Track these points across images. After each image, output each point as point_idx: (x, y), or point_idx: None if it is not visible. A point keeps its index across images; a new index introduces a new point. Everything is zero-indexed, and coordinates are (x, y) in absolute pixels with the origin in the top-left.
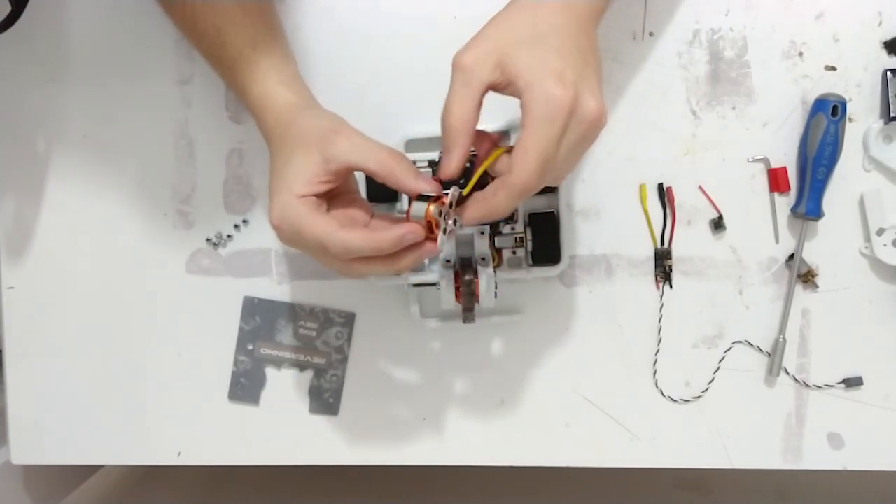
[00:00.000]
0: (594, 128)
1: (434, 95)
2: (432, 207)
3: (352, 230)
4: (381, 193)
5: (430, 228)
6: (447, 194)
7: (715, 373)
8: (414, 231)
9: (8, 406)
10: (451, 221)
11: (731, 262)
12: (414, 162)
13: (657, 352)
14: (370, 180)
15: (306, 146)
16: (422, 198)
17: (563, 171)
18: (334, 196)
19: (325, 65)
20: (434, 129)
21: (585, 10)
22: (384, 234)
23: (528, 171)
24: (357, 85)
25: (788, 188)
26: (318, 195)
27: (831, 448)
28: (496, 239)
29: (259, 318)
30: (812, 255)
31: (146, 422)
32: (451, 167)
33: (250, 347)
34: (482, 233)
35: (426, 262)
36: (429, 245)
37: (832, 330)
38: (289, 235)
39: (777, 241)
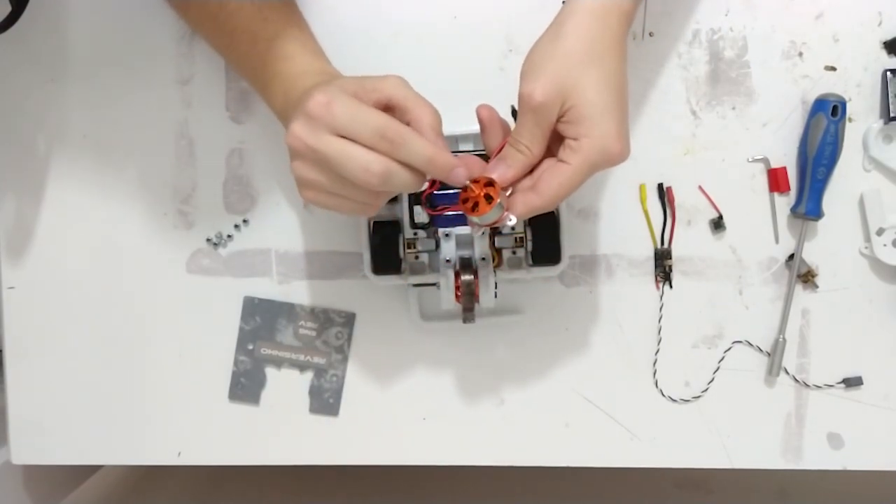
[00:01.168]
0: (613, 164)
1: (434, 95)
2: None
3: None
4: None
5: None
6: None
7: (715, 373)
8: (458, 163)
9: (8, 406)
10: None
11: (731, 262)
12: None
13: (657, 352)
14: None
15: (337, 87)
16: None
17: (571, 189)
18: None
19: None
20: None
21: (620, 20)
22: (451, 158)
23: (555, 199)
24: None
25: (788, 188)
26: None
27: (831, 448)
28: (496, 239)
29: (259, 318)
30: (812, 255)
31: (146, 422)
32: (512, 182)
33: (250, 347)
34: (482, 233)
35: (426, 261)
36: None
37: (832, 330)
38: (337, 121)
39: (777, 241)
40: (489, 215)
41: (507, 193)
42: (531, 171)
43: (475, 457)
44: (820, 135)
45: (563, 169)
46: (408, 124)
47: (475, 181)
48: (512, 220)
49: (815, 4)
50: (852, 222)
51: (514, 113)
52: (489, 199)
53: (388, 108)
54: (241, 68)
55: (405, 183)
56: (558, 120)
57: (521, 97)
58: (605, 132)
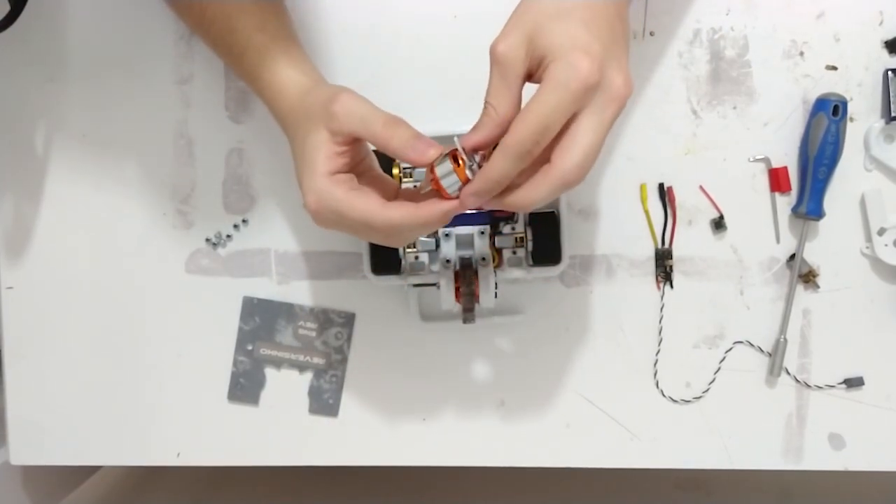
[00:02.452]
0: (619, 103)
1: (434, 94)
2: (460, 168)
3: (397, 207)
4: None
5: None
6: (454, 149)
7: (716, 373)
8: (456, 205)
9: (7, 406)
10: (476, 161)
11: (732, 262)
12: None
13: (658, 352)
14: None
15: (315, 124)
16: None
17: (591, 152)
18: (359, 174)
19: (325, 64)
20: (434, 129)
21: None
22: (431, 210)
23: (525, 132)
24: (357, 84)
25: (789, 188)
26: (344, 171)
27: (832, 448)
28: (496, 239)
29: (258, 318)
30: (813, 254)
31: (146, 422)
32: (478, 145)
33: (250, 348)
34: (482, 233)
35: (426, 262)
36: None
37: (833, 330)
38: (329, 219)
39: (778, 240)
40: (440, 169)
41: (477, 159)
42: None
43: (475, 457)
44: (821, 134)
45: (532, 98)
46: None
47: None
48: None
49: (817, 4)
50: (853, 222)
51: None
52: (456, 161)
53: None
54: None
55: (416, 234)
56: (532, 76)
57: (489, 53)
58: (569, 51)
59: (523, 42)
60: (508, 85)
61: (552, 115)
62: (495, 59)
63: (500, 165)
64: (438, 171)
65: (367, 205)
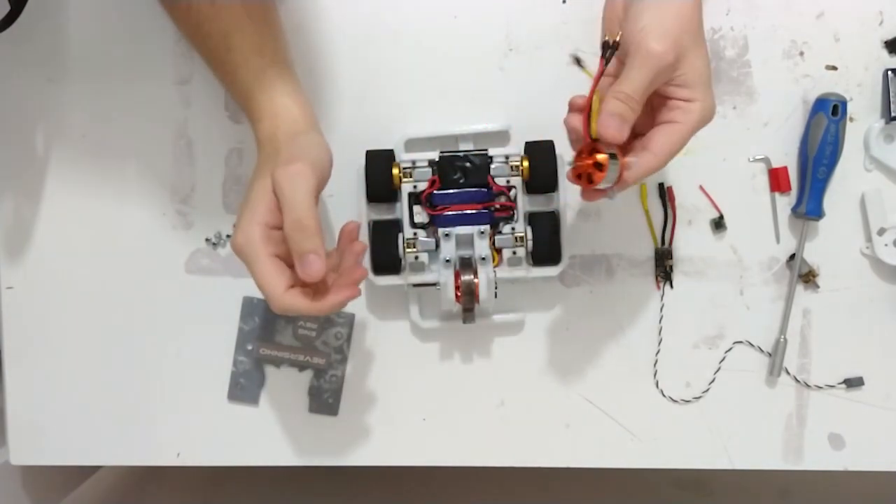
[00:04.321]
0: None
1: (434, 95)
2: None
3: (295, 296)
4: (381, 194)
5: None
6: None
7: (716, 373)
8: (352, 296)
9: (7, 406)
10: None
11: (732, 262)
12: (413, 162)
13: (658, 352)
14: (370, 180)
15: (271, 171)
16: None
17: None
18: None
19: (325, 64)
20: (434, 129)
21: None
22: (325, 304)
23: (668, 157)
24: (357, 84)
25: (789, 188)
26: (280, 227)
27: (832, 448)
28: (496, 239)
29: (258, 318)
30: (813, 255)
31: (145, 422)
32: (625, 136)
33: (249, 347)
34: (482, 233)
35: (426, 261)
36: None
37: (833, 330)
38: (243, 260)
39: (778, 240)
40: (609, 176)
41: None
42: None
43: (475, 457)
44: (821, 134)
45: (677, 128)
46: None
47: (579, 153)
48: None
49: (816, 4)
50: (853, 222)
51: (610, 50)
52: (599, 166)
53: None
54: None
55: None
56: (667, 82)
57: (649, 54)
58: (711, 97)
59: (678, 57)
60: (651, 91)
61: (685, 143)
62: (663, 67)
63: (638, 174)
64: (598, 180)
65: (272, 278)
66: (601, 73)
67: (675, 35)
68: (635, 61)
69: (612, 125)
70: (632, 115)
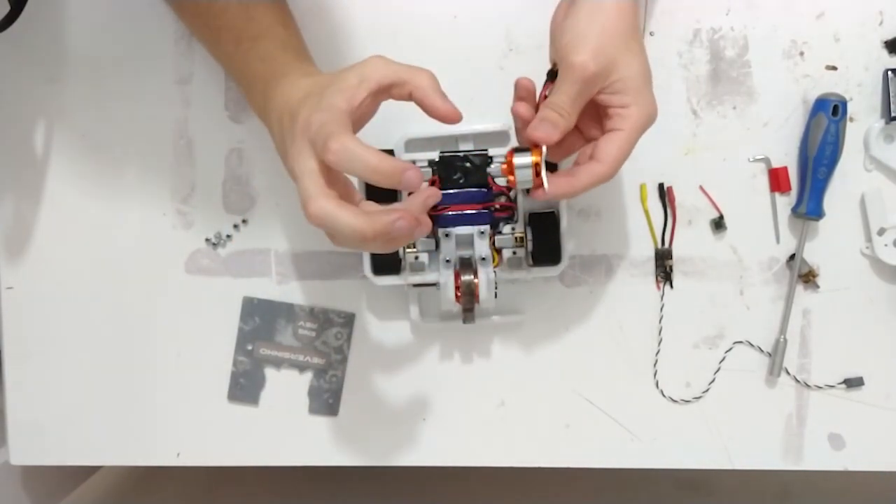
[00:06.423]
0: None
1: None
2: (535, 158)
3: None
4: (381, 193)
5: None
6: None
7: (716, 373)
8: (409, 226)
9: (7, 406)
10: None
11: (732, 262)
12: (413, 162)
13: (657, 352)
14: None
15: (309, 148)
16: (519, 151)
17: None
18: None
19: (325, 64)
20: (434, 129)
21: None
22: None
23: (616, 165)
24: None
25: (789, 188)
26: (354, 115)
27: (832, 448)
28: (496, 239)
29: (258, 318)
30: (813, 255)
31: (145, 422)
32: (552, 140)
33: (249, 348)
34: (482, 233)
35: (426, 261)
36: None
37: (833, 330)
38: (325, 229)
39: (778, 241)
40: (521, 179)
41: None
42: (559, 144)
43: (475, 457)
44: (821, 134)
45: (619, 136)
46: (409, 95)
47: (515, 149)
48: (547, 188)
49: (816, 4)
50: (853, 222)
51: (551, 76)
52: (510, 168)
53: (383, 90)
54: (227, 68)
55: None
56: (600, 91)
57: (572, 67)
58: (649, 99)
59: (606, 66)
60: (584, 102)
61: (632, 148)
62: (586, 77)
63: (585, 186)
64: (516, 161)
65: (357, 218)
66: (544, 97)
67: (597, 46)
68: (563, 74)
69: (541, 128)
70: (562, 121)
